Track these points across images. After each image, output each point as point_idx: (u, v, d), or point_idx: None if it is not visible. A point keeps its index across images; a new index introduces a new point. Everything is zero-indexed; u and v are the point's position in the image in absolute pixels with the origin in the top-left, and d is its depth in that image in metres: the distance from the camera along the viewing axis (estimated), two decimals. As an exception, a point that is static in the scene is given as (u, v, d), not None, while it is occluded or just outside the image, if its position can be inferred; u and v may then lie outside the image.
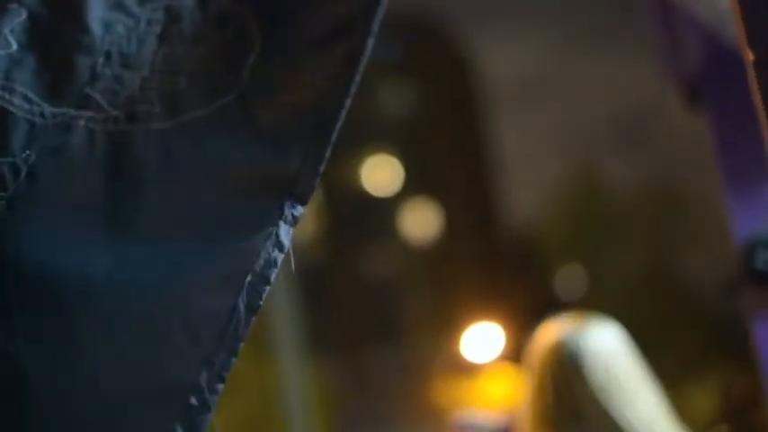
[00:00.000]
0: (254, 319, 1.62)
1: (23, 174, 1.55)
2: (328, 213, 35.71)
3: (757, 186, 3.08)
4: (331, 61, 1.64)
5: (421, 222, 41.67)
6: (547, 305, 40.64)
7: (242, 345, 1.60)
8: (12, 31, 1.61)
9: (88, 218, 1.56)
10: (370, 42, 1.60)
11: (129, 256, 1.56)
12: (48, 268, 1.48)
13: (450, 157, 40.99)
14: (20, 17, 1.62)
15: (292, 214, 1.64)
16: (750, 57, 1.38)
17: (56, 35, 1.62)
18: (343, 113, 1.65)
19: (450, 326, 34.99)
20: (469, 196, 40.94)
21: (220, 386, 1.57)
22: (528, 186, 39.56)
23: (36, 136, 1.59)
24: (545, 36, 37.54)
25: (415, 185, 40.68)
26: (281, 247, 1.63)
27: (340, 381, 36.01)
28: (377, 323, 38.14)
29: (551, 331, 3.69)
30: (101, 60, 1.63)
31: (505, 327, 36.78)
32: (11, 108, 1.58)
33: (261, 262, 1.59)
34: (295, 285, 19.03)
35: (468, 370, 36.32)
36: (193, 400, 1.52)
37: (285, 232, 1.64)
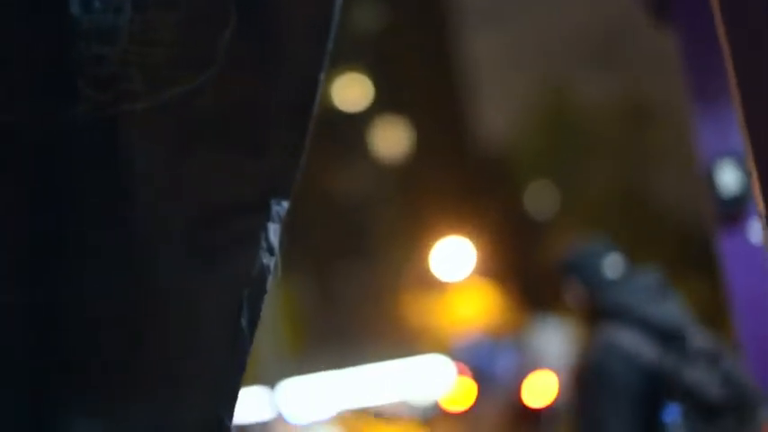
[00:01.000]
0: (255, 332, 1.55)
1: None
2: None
3: (723, 105, 3.07)
4: (304, 37, 1.59)
5: (391, 139, 41.64)
6: (517, 221, 40.89)
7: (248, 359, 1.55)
8: None
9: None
10: (338, 7, 1.55)
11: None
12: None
13: (421, 74, 40.81)
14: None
15: (278, 212, 1.56)
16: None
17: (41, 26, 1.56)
18: (319, 91, 1.59)
19: (420, 242, 35.19)
20: (440, 112, 40.88)
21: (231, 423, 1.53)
22: (499, 102, 39.53)
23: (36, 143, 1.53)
24: (516, -50, 37.25)
25: (385, 103, 40.55)
26: (272, 250, 1.55)
27: (310, 297, 36.23)
28: (347, 240, 38.28)
29: None
30: (83, 44, 1.54)
31: (475, 243, 37.06)
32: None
33: (255, 272, 1.53)
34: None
35: (438, 285, 36.63)
36: None
37: (274, 232, 1.56)
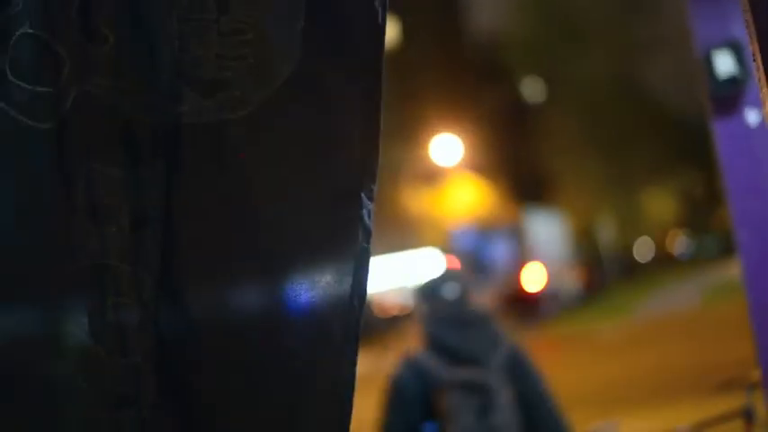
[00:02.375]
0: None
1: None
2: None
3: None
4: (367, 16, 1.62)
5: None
6: (510, 114, 40.70)
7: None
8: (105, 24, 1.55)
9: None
10: None
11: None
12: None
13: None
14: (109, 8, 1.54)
15: (369, 198, 1.64)
16: None
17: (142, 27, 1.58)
18: (383, 63, 1.64)
19: (413, 138, 35.14)
20: (432, 5, 40.39)
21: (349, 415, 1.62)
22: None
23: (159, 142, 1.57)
24: None
25: None
26: (368, 233, 1.63)
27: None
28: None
29: None
30: (177, 44, 1.57)
31: (468, 136, 37.03)
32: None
33: (358, 254, 1.61)
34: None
35: (432, 180, 36.71)
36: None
37: (368, 216, 1.63)
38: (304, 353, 1.59)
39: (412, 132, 34.82)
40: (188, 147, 1.56)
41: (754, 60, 1.37)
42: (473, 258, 31.25)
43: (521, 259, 32.07)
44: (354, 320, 1.61)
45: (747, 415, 5.17)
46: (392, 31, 41.46)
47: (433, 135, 35.32)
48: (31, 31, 1.52)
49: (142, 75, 1.56)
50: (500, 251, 32.60)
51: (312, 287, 1.59)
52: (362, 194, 1.64)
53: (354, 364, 1.62)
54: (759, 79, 1.32)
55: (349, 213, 1.63)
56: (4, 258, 1.51)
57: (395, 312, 32.76)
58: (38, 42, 1.52)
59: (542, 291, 31.45)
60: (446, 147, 35.27)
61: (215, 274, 1.57)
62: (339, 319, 1.61)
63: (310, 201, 1.61)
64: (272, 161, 1.60)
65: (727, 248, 31.71)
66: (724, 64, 3.02)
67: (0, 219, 1.51)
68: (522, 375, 4.35)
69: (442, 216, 35.22)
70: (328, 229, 1.62)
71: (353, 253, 1.62)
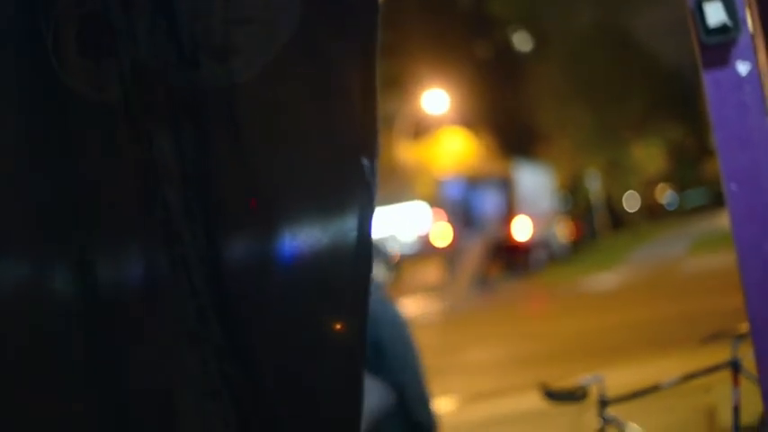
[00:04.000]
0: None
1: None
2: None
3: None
4: None
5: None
6: (500, 67, 40.57)
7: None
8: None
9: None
10: None
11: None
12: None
13: None
14: None
15: (372, 153, 1.68)
16: None
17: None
18: (379, 21, 1.67)
19: (402, 89, 35.07)
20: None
21: (361, 365, 1.68)
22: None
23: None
24: None
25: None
26: (372, 188, 1.67)
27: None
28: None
29: None
30: (190, 12, 1.66)
31: (457, 90, 36.97)
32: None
33: (364, 206, 1.67)
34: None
35: (421, 130, 36.69)
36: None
37: (370, 169, 1.67)
38: (314, 302, 1.68)
39: (401, 85, 34.74)
40: (208, 112, 1.66)
41: (749, 9, 1.34)
42: (462, 209, 31.33)
43: (510, 211, 32.16)
44: (362, 270, 1.68)
45: (734, 366, 5.20)
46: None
47: (421, 88, 35.24)
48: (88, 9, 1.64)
49: (169, 44, 1.66)
50: (489, 203, 32.67)
51: (319, 240, 1.67)
52: (364, 150, 1.69)
53: (365, 314, 1.69)
54: (753, 28, 1.29)
55: (352, 169, 1.68)
56: (91, 211, 1.65)
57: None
58: (95, 18, 1.64)
59: (532, 242, 31.59)
60: (435, 100, 35.21)
61: (236, 230, 1.68)
62: (346, 269, 1.68)
63: (314, 158, 1.68)
64: (277, 121, 1.68)
65: (716, 200, 31.83)
66: (715, 13, 2.99)
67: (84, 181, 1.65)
68: None
69: (432, 169, 35.23)
70: (332, 184, 1.68)
71: (357, 207, 1.68)
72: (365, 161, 1.68)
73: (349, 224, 1.67)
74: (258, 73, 1.66)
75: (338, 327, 1.68)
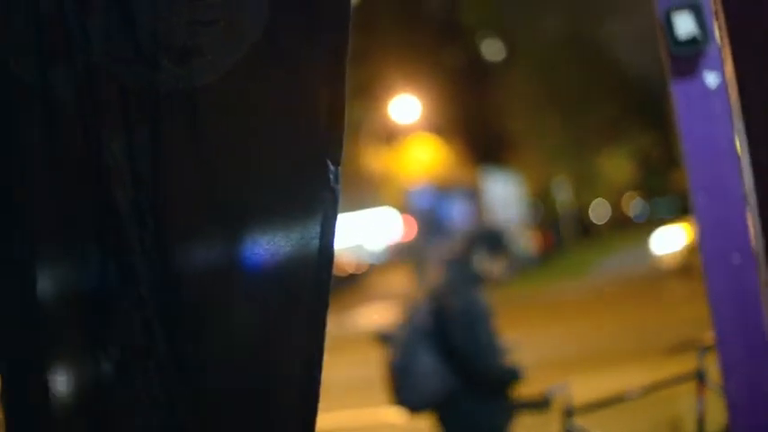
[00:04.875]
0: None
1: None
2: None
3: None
4: None
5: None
6: (470, 75, 40.67)
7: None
8: None
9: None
10: None
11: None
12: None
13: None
14: None
15: (336, 159, 1.66)
16: None
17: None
18: (350, 25, 1.66)
19: (372, 95, 35.09)
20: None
21: (319, 374, 1.67)
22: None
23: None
24: None
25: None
26: (335, 195, 1.65)
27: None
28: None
29: None
30: (152, 13, 1.63)
31: (427, 96, 37.02)
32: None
33: (326, 214, 1.65)
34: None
35: (390, 137, 36.71)
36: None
37: (335, 176, 1.65)
38: (275, 310, 1.64)
39: (370, 92, 34.75)
40: (166, 113, 1.61)
41: (716, 20, 1.34)
42: (430, 218, 31.39)
43: (478, 220, 32.22)
44: (323, 278, 1.65)
45: (699, 377, 5.22)
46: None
47: (391, 95, 35.26)
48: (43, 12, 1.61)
49: (126, 43, 1.61)
50: (458, 211, 32.74)
51: (280, 247, 1.63)
52: (329, 156, 1.66)
53: (324, 323, 1.66)
54: (721, 39, 1.28)
55: (316, 175, 1.65)
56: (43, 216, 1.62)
57: (351, 270, 32.93)
58: (49, 17, 1.61)
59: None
60: (404, 106, 35.25)
61: (191, 236, 1.63)
62: (308, 277, 1.65)
63: (278, 163, 1.65)
64: (241, 125, 1.64)
65: (683, 210, 32.01)
66: (684, 25, 3.01)
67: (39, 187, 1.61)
68: None
69: (400, 176, 35.26)
70: (296, 190, 1.65)
71: (321, 214, 1.65)
72: (330, 167, 1.65)
73: (312, 231, 1.64)
74: (222, 75, 1.63)
75: (297, 335, 1.65)
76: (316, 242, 1.63)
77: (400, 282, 30.08)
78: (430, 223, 30.92)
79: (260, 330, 1.64)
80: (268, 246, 1.63)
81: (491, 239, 5.38)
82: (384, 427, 6.13)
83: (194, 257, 1.63)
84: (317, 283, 1.65)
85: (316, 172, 1.65)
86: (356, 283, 31.88)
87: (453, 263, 5.26)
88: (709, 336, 4.66)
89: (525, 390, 5.31)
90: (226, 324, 1.63)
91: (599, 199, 46.84)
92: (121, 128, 1.61)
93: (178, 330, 1.62)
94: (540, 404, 5.07)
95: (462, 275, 5.20)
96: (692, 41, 3.01)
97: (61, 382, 1.62)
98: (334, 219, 1.65)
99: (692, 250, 13.33)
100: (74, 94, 1.60)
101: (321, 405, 1.69)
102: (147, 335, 1.61)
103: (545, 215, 41.41)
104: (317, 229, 1.64)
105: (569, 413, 5.06)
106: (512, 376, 5.09)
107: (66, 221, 1.61)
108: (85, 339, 1.62)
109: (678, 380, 5.30)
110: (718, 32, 1.31)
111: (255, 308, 1.63)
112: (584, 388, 6.78)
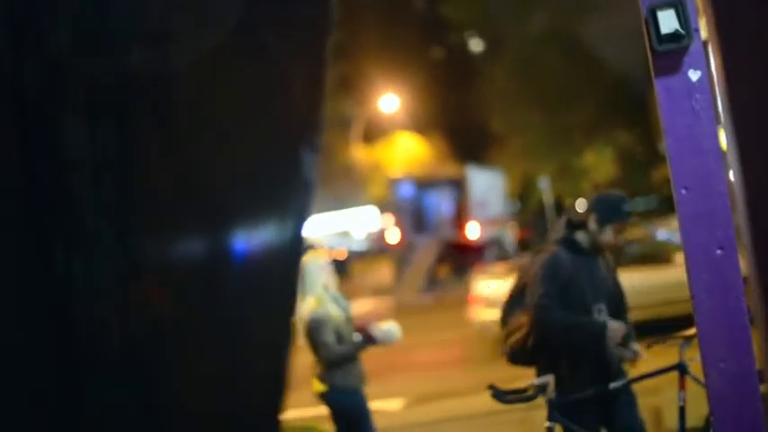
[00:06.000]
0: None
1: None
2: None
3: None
4: None
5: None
6: (453, 71, 40.61)
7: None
8: None
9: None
10: None
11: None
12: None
13: None
14: None
15: (313, 149, 1.65)
16: None
17: None
18: (331, 15, 1.64)
19: (354, 91, 35.04)
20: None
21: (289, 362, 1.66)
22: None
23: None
24: None
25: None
26: (309, 185, 1.64)
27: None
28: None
29: None
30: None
31: (410, 93, 37.01)
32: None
33: (300, 204, 1.64)
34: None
35: (373, 134, 36.70)
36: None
37: (310, 166, 1.65)
38: (245, 300, 1.61)
39: (353, 87, 34.71)
40: (134, 101, 1.57)
41: (702, 16, 1.37)
42: (413, 211, 31.43)
43: (461, 214, 32.26)
44: (294, 269, 1.64)
45: (681, 369, 5.27)
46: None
47: (374, 90, 35.24)
48: None
49: (97, 29, 1.56)
50: (441, 205, 32.76)
51: (253, 236, 1.61)
52: (305, 146, 1.65)
53: (293, 311, 1.66)
54: (708, 34, 1.33)
55: (291, 165, 1.64)
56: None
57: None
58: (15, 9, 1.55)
59: (482, 244, 31.74)
60: (388, 102, 35.23)
61: (162, 225, 1.58)
62: (280, 267, 1.64)
63: (252, 151, 1.63)
64: (214, 112, 1.61)
65: (665, 205, 32.08)
66: (667, 21, 3.04)
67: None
68: None
69: (384, 171, 35.24)
70: (270, 179, 1.63)
71: (295, 205, 1.64)
72: (305, 158, 1.65)
73: (285, 223, 1.63)
74: (195, 62, 1.59)
75: (267, 327, 1.64)
76: (289, 233, 1.63)
77: (382, 273, 30.10)
78: (413, 216, 30.96)
79: (228, 323, 1.62)
80: (239, 237, 1.61)
81: (610, 205, 5.39)
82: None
83: (161, 250, 1.58)
84: (287, 274, 1.64)
85: (290, 163, 1.64)
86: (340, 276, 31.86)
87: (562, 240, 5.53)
88: (690, 328, 4.71)
89: (509, 382, 5.35)
90: (191, 316, 1.60)
91: (582, 198, 46.94)
92: (86, 117, 1.56)
93: (139, 326, 1.57)
94: (525, 396, 5.11)
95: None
96: (676, 38, 3.04)
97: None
98: (308, 210, 1.65)
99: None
100: (39, 81, 1.54)
101: (301, 396, 1.67)
102: (105, 330, 1.56)
103: (527, 210, 41.46)
104: (291, 220, 1.64)
105: (553, 405, 5.10)
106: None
107: (30, 216, 1.55)
108: (44, 334, 1.56)
109: (660, 372, 5.35)
110: (703, 29, 1.35)
111: (224, 300, 1.61)
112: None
